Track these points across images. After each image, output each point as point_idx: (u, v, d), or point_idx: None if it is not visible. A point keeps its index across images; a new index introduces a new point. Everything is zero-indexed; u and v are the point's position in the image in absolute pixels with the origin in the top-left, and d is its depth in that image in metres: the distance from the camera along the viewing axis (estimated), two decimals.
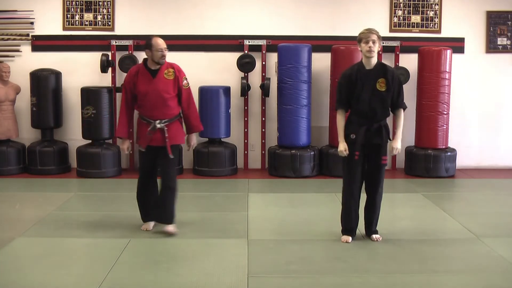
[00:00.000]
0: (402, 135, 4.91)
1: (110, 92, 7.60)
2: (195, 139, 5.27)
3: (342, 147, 4.76)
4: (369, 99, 4.71)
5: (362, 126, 4.73)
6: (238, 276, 4.14)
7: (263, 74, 7.90)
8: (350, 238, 4.89)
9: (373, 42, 4.65)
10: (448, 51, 7.64)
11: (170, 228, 5.06)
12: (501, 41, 8.11)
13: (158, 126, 4.96)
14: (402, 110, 4.85)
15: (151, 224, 5.19)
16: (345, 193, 4.89)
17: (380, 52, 4.81)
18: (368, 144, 4.76)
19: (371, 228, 4.96)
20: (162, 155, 5.02)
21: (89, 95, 7.49)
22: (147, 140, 4.99)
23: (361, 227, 5.05)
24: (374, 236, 4.93)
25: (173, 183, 5.07)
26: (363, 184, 4.91)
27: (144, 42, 5.02)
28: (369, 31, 4.69)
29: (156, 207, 5.11)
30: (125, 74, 7.70)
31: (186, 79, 5.10)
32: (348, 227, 4.92)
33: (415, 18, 8.05)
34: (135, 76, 5.01)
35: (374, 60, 4.74)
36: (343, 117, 4.83)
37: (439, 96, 7.62)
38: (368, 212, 4.97)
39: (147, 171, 5.15)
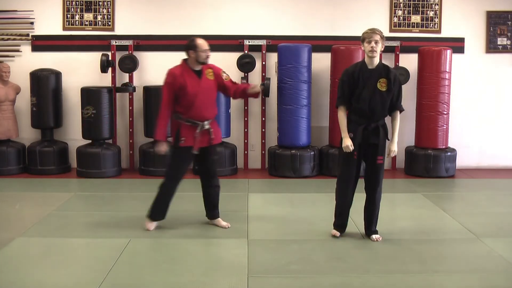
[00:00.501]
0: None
1: (110, 92, 7.60)
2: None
3: (348, 142, 4.76)
4: (370, 98, 4.72)
5: (360, 125, 4.75)
6: (238, 276, 4.13)
7: (263, 74, 7.90)
8: (338, 233, 4.96)
9: (376, 42, 4.67)
10: (448, 51, 7.64)
11: (223, 222, 5.28)
12: (501, 41, 8.11)
13: (207, 126, 5.01)
14: (398, 112, 4.87)
15: (155, 224, 5.19)
16: (339, 190, 4.93)
17: (381, 52, 4.82)
18: (365, 143, 4.77)
19: (371, 228, 4.96)
20: (207, 156, 5.09)
21: (89, 95, 7.48)
22: (197, 142, 4.98)
23: (361, 227, 5.06)
24: (374, 236, 4.93)
25: (219, 182, 5.28)
26: (363, 184, 4.92)
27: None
28: (373, 31, 4.71)
29: (208, 205, 5.28)
30: (125, 74, 7.78)
31: (224, 72, 5.16)
32: (340, 222, 4.99)
33: (415, 18, 8.05)
34: (181, 77, 4.93)
35: (377, 60, 4.76)
36: (345, 114, 4.84)
37: (439, 96, 7.62)
38: (367, 212, 4.97)
39: (184, 173, 5.16)
